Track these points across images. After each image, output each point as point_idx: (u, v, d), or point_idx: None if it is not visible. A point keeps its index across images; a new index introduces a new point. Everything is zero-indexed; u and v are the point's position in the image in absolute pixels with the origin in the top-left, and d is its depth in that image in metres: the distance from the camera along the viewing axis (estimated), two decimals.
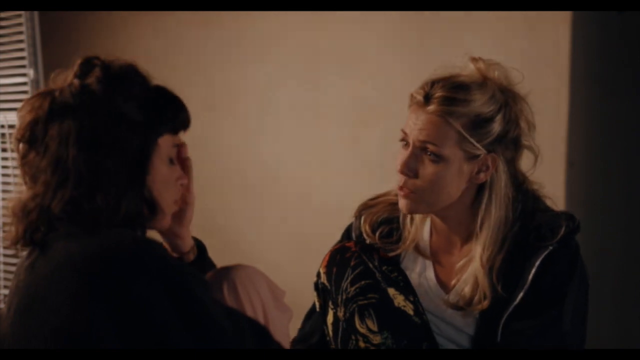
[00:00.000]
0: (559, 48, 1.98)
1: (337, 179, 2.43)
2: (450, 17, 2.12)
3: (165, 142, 1.11)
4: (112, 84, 1.07)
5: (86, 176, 1.03)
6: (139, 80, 1.11)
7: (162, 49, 2.77)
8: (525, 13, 2.00)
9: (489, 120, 1.31)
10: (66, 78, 1.09)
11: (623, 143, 2.16)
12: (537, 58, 2.01)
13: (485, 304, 1.32)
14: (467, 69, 1.36)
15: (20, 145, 1.08)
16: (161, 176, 1.11)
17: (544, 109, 1.99)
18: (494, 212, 1.34)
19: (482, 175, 1.33)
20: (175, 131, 1.14)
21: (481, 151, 1.31)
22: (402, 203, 1.36)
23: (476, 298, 1.33)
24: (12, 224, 1.08)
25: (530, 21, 2.01)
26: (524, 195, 1.37)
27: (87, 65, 1.09)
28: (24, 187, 1.09)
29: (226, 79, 2.64)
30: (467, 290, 1.35)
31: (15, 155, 1.09)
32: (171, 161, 1.14)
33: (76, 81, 1.08)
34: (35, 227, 1.05)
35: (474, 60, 1.36)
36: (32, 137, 1.06)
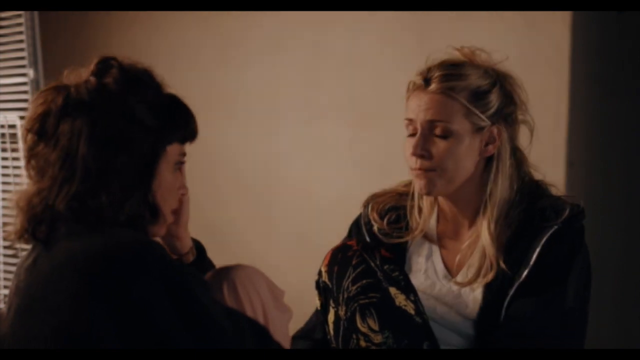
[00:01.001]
0: (559, 48, 1.98)
1: (337, 179, 2.43)
2: (450, 17, 2.12)
3: (172, 150, 1.12)
4: (129, 86, 1.08)
5: (93, 173, 1.03)
6: (155, 86, 1.11)
7: (162, 49, 2.77)
8: (525, 13, 2.00)
9: (487, 92, 1.36)
10: (80, 75, 1.09)
11: (623, 143, 2.16)
12: (537, 58, 2.02)
13: (491, 275, 1.35)
14: (453, 55, 1.42)
15: (29, 136, 1.08)
16: (166, 183, 1.11)
17: (544, 109, 1.99)
18: (501, 183, 1.37)
19: (490, 148, 1.38)
20: (183, 140, 1.14)
21: (486, 122, 1.35)
22: (421, 184, 1.38)
23: (483, 270, 1.36)
24: (16, 217, 1.07)
25: (530, 21, 2.01)
26: (523, 167, 1.41)
27: (105, 64, 1.09)
28: (28, 181, 1.09)
29: (226, 79, 2.64)
30: (473, 270, 1.38)
31: (21, 146, 1.09)
32: (176, 169, 1.14)
33: (93, 79, 1.08)
34: (39, 221, 1.05)
35: (458, 49, 1.42)
36: (42, 129, 1.06)
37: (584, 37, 2.02)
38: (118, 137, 1.05)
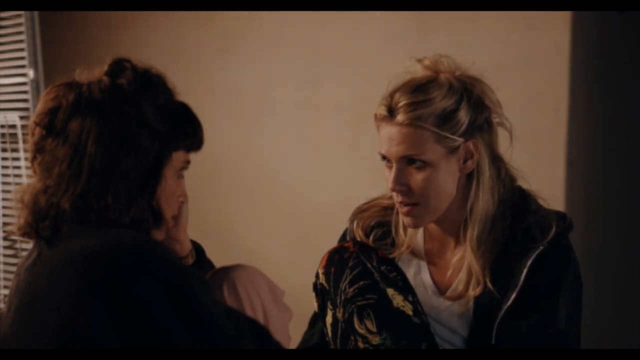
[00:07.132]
0: (559, 48, 1.98)
1: (337, 179, 2.43)
2: (451, 17, 2.12)
3: (178, 157, 1.12)
4: (142, 89, 1.08)
5: (100, 173, 1.04)
6: (167, 92, 1.11)
7: (162, 49, 2.77)
8: (525, 13, 2.00)
9: (455, 111, 1.32)
10: (93, 74, 1.09)
11: (623, 143, 2.16)
12: (537, 58, 2.02)
13: (479, 290, 1.33)
14: (416, 71, 1.38)
15: (37, 130, 1.08)
16: (169, 188, 1.11)
17: (544, 109, 1.99)
18: (482, 197, 1.35)
19: (469, 163, 1.35)
20: (189, 149, 1.15)
21: (459, 141, 1.32)
22: (408, 221, 1.37)
23: (471, 284, 1.34)
24: (20, 212, 1.07)
25: (530, 21, 2.01)
26: (503, 174, 1.39)
27: (119, 65, 1.09)
28: (33, 177, 1.08)
29: (226, 78, 2.64)
30: (461, 286, 1.36)
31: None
32: (179, 176, 1.14)
33: (106, 79, 1.08)
34: (43, 218, 1.05)
35: (419, 60, 1.39)
36: (51, 124, 1.06)
37: (584, 37, 2.02)
38: (127, 139, 1.05)
